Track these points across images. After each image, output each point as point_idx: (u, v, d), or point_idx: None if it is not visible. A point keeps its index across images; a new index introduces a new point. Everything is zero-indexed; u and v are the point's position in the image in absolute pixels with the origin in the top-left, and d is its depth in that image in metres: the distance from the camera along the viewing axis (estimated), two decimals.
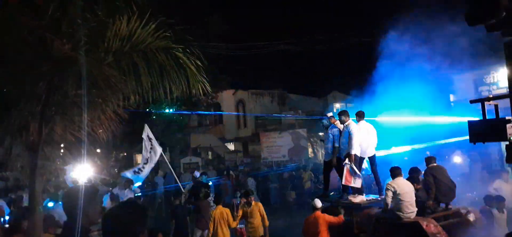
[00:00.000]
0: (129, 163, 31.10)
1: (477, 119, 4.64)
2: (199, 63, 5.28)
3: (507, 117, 4.32)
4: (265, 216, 8.26)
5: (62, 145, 5.61)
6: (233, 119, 34.25)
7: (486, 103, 4.60)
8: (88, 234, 3.24)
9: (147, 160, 11.93)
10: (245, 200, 8.32)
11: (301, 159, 22.27)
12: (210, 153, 29.65)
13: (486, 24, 4.30)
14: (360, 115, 8.41)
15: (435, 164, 7.75)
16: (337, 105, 31.35)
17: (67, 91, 4.41)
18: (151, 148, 11.76)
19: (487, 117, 4.59)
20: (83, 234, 3.02)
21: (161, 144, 27.18)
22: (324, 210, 7.77)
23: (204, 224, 9.12)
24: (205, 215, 9.15)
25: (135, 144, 31.41)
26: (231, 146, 32.53)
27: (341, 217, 7.56)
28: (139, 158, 33.88)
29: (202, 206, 9.41)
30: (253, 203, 8.25)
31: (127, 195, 11.17)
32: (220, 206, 8.28)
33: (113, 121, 5.26)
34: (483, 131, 4.63)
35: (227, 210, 8.28)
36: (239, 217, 8.27)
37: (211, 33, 19.17)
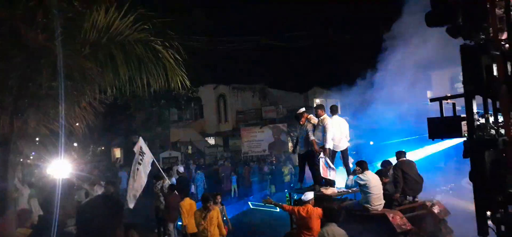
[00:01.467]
0: (107, 157, 30.59)
1: (436, 117, 4.91)
2: (178, 57, 5.22)
3: (462, 116, 4.57)
4: (222, 225, 7.46)
5: (36, 139, 5.47)
6: (213, 113, 34.11)
7: (445, 101, 4.89)
8: (64, 228, 3.19)
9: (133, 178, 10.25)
10: (204, 206, 7.30)
11: (282, 154, 22.43)
12: (190, 147, 29.48)
13: (444, 26, 4.61)
14: (333, 110, 8.71)
15: (404, 159, 8.08)
16: (318, 101, 31.66)
17: (41, 83, 4.29)
18: (139, 163, 9.99)
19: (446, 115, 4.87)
20: (59, 228, 2.97)
21: (139, 137, 26.75)
22: (299, 202, 7.78)
23: (175, 217, 9.26)
24: (174, 209, 9.18)
25: (114, 138, 30.90)
26: (211, 141, 32.42)
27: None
28: (117, 152, 33.40)
29: (173, 200, 9.39)
30: (212, 209, 7.33)
31: (96, 191, 10.88)
32: (187, 198, 8.30)
33: (89, 114, 5.15)
34: (441, 128, 4.91)
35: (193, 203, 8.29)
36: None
37: (192, 27, 18.98)
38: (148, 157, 9.89)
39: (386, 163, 8.28)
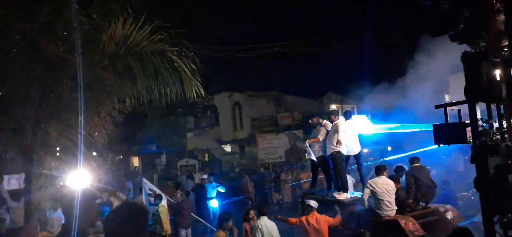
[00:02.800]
0: (126, 166, 31.00)
1: (441, 123, 4.98)
2: (193, 66, 5.29)
3: (466, 122, 4.64)
4: None
5: (57, 149, 5.59)
6: (229, 120, 34.26)
7: (449, 108, 4.99)
8: (86, 236, 3.26)
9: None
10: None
11: (300, 160, 22.32)
12: (206, 155, 29.64)
13: (447, 35, 4.67)
14: (347, 115, 8.75)
15: (417, 164, 8.06)
16: (333, 107, 31.47)
17: (61, 94, 4.41)
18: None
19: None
20: (81, 235, 3.04)
21: (157, 147, 27.07)
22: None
23: (187, 223, 9.10)
24: (187, 214, 9.14)
25: (132, 146, 31.34)
26: (227, 148, 32.52)
27: (339, 217, 7.60)
28: (135, 161, 33.83)
29: (186, 206, 9.36)
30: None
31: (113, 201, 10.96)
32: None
33: (108, 123, 5.25)
34: (446, 134, 4.99)
35: None
36: None
37: (207, 36, 19.18)
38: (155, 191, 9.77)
39: (399, 169, 8.34)
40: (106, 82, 4.72)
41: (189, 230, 9.39)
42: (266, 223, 6.58)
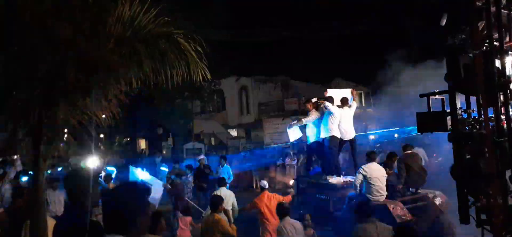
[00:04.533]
0: (133, 148, 31.27)
1: (424, 111, 5.25)
2: (200, 50, 5.28)
3: (448, 110, 4.90)
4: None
5: (65, 130, 5.65)
6: (236, 105, 34.26)
7: (432, 97, 5.22)
8: (91, 215, 3.31)
9: None
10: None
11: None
12: (213, 139, 29.77)
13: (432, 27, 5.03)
14: (343, 102, 9.23)
15: (409, 151, 8.46)
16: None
17: (68, 75, 4.43)
18: None
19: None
20: (87, 216, 3.08)
21: (164, 130, 27.29)
22: (305, 188, 8.77)
23: (181, 205, 9.31)
24: (180, 197, 9.38)
25: (139, 129, 31.55)
26: (233, 132, 32.62)
27: (289, 197, 8.24)
28: (142, 143, 34.10)
29: (181, 189, 9.55)
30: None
31: None
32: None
33: (115, 106, 5.28)
34: (429, 122, 5.22)
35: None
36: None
37: (214, 19, 19.05)
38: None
39: (391, 155, 8.67)
40: (112, 64, 4.73)
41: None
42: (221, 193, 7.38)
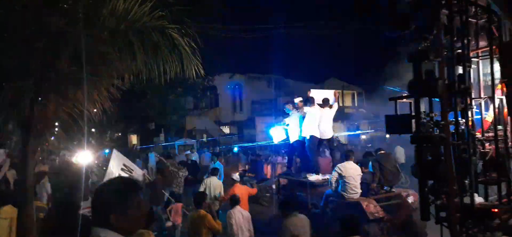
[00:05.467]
0: (124, 143, 31.07)
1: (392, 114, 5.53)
2: (194, 46, 5.25)
3: (412, 114, 5.15)
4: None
5: (56, 123, 5.59)
6: (229, 102, 34.21)
7: (399, 101, 5.58)
8: (78, 210, 3.28)
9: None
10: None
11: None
12: (205, 136, 29.69)
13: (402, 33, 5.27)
14: (324, 102, 9.60)
15: (383, 152, 9.00)
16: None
17: (60, 67, 4.37)
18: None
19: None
20: (75, 210, 3.05)
21: (156, 126, 27.06)
22: (285, 185, 9.42)
23: (158, 200, 9.29)
24: (159, 192, 9.35)
25: (130, 124, 31.33)
26: (226, 130, 32.57)
27: (255, 189, 9.41)
28: (133, 139, 33.89)
29: (158, 182, 9.53)
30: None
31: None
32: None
33: (107, 100, 5.23)
34: (395, 124, 5.52)
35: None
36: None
37: (209, 15, 18.95)
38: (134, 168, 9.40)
39: (367, 155, 9.22)
40: (106, 57, 4.68)
41: (158, 208, 9.40)
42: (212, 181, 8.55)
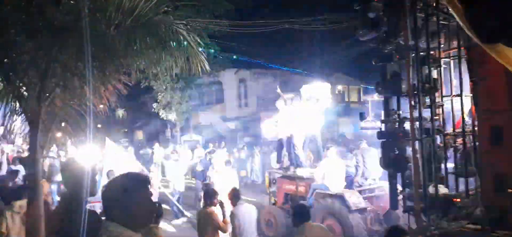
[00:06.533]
0: (131, 139, 31.24)
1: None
2: (200, 42, 5.24)
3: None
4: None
5: (62, 118, 5.61)
6: (234, 98, 34.18)
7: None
8: (86, 205, 3.29)
9: None
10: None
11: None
12: (210, 131, 29.73)
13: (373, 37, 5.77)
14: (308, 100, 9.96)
15: (365, 146, 9.51)
16: (339, 88, 31.26)
17: (66, 63, 4.39)
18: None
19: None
20: (83, 206, 3.07)
21: (162, 121, 27.07)
22: (276, 180, 9.76)
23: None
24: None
25: (137, 120, 31.48)
26: (231, 125, 32.58)
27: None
28: (139, 134, 34.04)
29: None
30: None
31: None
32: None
33: (113, 95, 5.25)
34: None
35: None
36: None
37: (214, 10, 18.93)
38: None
39: (351, 149, 9.99)
40: (112, 52, 4.69)
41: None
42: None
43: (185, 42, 5.16)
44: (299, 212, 5.13)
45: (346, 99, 32.96)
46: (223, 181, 9.47)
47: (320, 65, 30.31)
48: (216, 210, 6.12)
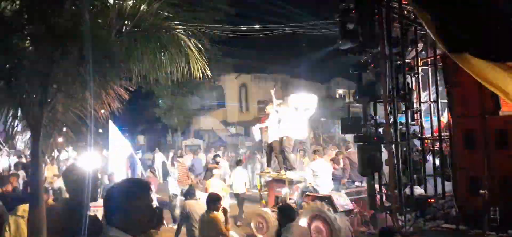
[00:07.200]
0: (132, 144, 31.23)
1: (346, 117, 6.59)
2: (200, 47, 5.26)
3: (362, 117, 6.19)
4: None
5: (64, 124, 5.62)
6: (235, 102, 34.21)
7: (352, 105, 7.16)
8: (88, 210, 3.30)
9: None
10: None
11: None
12: (211, 135, 29.72)
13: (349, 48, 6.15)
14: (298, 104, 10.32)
15: (352, 150, 9.86)
16: (340, 91, 31.28)
17: (68, 68, 4.41)
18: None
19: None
20: (84, 211, 3.07)
21: (163, 126, 27.17)
22: (267, 183, 10.22)
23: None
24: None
25: (137, 125, 31.47)
26: (232, 130, 32.58)
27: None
28: (140, 139, 34.04)
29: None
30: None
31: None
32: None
33: (115, 100, 5.26)
34: (348, 126, 6.34)
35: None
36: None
37: (215, 15, 18.99)
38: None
39: (338, 153, 10.39)
40: (113, 58, 4.71)
41: None
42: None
43: (186, 47, 5.18)
44: (285, 213, 5.32)
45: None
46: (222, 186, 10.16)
47: (321, 69, 30.30)
48: (217, 214, 6.11)
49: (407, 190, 5.66)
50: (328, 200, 8.15)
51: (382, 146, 6.05)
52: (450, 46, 4.24)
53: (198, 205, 6.71)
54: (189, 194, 7.17)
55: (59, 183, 9.97)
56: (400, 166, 5.62)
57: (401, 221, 5.58)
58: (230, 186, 11.55)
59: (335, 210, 7.93)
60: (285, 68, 33.21)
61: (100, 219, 3.39)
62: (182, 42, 5.14)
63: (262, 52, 30.66)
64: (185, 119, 26.23)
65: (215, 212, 6.02)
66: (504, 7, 3.93)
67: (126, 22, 4.79)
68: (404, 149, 5.76)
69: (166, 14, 5.08)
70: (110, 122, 11.27)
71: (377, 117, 6.01)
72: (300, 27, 17.22)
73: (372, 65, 5.92)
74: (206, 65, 5.43)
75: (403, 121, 5.85)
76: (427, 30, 4.73)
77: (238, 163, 12.14)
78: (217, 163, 13.56)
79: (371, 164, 5.83)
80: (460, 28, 4.10)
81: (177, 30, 5.11)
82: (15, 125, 4.85)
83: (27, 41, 4.58)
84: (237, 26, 16.59)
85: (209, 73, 5.52)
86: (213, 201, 6.11)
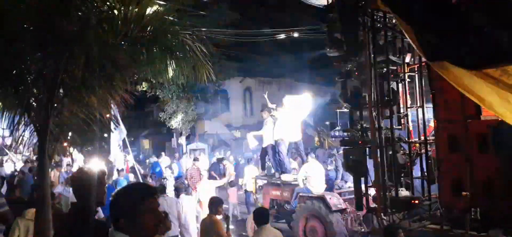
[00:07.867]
0: (137, 149, 31.34)
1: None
2: (205, 51, 5.28)
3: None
4: None
5: (70, 128, 5.66)
6: (240, 106, 34.21)
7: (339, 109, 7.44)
8: (95, 214, 3.31)
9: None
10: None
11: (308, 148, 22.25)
12: (216, 139, 29.74)
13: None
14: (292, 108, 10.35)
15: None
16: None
17: (74, 73, 4.44)
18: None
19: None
20: (92, 215, 3.08)
21: (167, 130, 27.17)
22: (262, 186, 10.28)
23: None
24: None
25: (143, 129, 31.59)
26: (237, 133, 32.56)
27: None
28: (146, 143, 34.15)
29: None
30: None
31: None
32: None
33: (120, 105, 5.29)
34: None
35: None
36: None
37: (220, 20, 19.05)
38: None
39: (330, 155, 10.74)
40: (119, 62, 4.74)
41: None
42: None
43: (191, 52, 5.20)
44: (259, 216, 5.41)
45: None
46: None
47: (326, 73, 30.19)
48: (220, 218, 6.09)
49: (393, 192, 5.88)
50: (322, 199, 8.37)
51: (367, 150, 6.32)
52: (429, 54, 4.32)
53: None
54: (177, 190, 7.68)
55: (59, 188, 10.03)
56: (385, 169, 5.84)
57: (386, 221, 5.78)
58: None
59: (329, 209, 8.15)
60: (289, 72, 33.20)
61: (107, 225, 3.40)
62: (187, 46, 5.16)
63: (266, 56, 30.68)
64: (189, 123, 26.23)
65: (217, 216, 6.00)
66: (475, 20, 4.03)
67: (131, 27, 4.82)
68: (390, 152, 5.98)
69: (171, 19, 5.11)
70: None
71: (363, 122, 6.23)
72: (304, 32, 17.23)
73: (357, 73, 6.18)
74: (210, 70, 5.45)
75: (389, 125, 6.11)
76: (408, 39, 4.88)
77: (249, 161, 12.76)
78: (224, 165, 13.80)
79: (355, 167, 6.10)
80: (439, 37, 4.20)
81: (183, 35, 5.13)
82: (23, 130, 4.88)
83: (34, 47, 4.61)
84: (242, 30, 16.63)
85: (214, 77, 5.54)
86: (215, 204, 6.08)
